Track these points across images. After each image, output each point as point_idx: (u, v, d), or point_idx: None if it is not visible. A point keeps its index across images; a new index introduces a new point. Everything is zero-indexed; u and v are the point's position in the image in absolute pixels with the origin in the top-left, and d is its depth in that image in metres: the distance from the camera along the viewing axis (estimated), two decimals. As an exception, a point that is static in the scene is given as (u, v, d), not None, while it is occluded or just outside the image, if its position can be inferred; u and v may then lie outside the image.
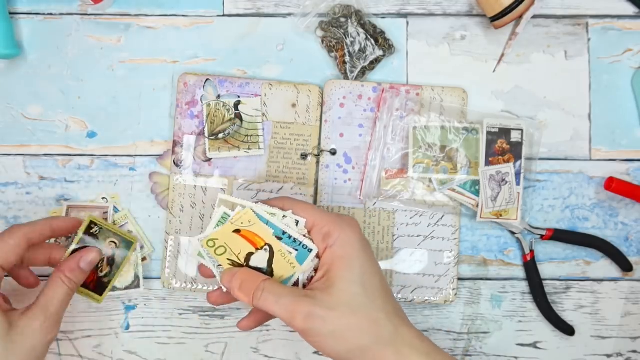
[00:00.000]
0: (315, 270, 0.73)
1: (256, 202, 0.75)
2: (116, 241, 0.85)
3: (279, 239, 0.73)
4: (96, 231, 0.84)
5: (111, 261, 0.85)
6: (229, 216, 0.75)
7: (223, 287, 0.74)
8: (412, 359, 0.67)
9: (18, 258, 0.76)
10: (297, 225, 0.74)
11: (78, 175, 0.90)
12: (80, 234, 0.82)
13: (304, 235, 0.73)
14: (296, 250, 0.73)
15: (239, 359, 0.90)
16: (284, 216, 0.74)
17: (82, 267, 0.79)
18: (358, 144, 0.89)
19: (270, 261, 0.75)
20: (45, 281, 0.77)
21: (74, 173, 0.90)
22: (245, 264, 0.74)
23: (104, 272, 0.84)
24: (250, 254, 0.75)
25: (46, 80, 0.90)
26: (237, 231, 0.75)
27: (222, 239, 0.75)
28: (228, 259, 0.74)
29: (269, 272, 0.74)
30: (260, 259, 0.75)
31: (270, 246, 0.75)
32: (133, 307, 0.89)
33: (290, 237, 0.73)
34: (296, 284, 0.74)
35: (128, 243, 0.86)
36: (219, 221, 0.75)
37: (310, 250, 0.73)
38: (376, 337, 0.67)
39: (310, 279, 0.73)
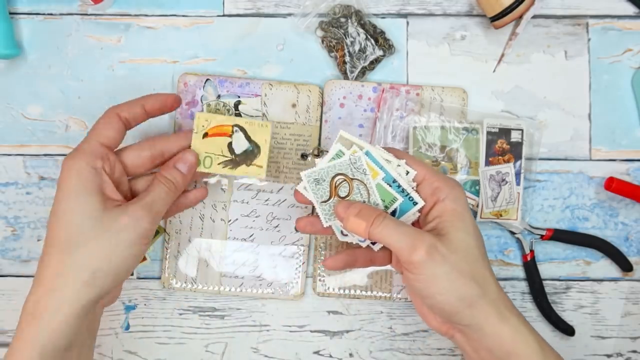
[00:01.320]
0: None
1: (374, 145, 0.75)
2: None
3: (389, 185, 0.73)
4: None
5: None
6: (343, 154, 0.75)
7: (324, 223, 0.75)
8: (512, 321, 0.68)
9: (116, 134, 0.75)
10: (407, 174, 0.74)
11: (78, 175, 0.90)
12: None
13: (413, 188, 0.73)
14: (402, 199, 0.73)
15: (239, 359, 0.90)
16: (397, 165, 0.73)
17: (177, 167, 0.77)
18: (358, 143, 0.89)
19: (247, 137, 0.81)
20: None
21: (74, 173, 0.90)
22: (233, 157, 0.80)
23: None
24: (229, 144, 0.80)
25: (46, 80, 0.90)
26: (205, 135, 0.80)
27: (200, 150, 0.80)
28: (219, 163, 0.80)
29: (254, 146, 0.80)
30: (239, 141, 0.81)
31: (238, 125, 0.80)
32: (133, 307, 0.89)
33: (399, 186, 0.73)
34: None
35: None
36: (333, 157, 0.75)
37: (415, 204, 0.73)
38: (484, 292, 0.68)
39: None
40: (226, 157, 0.81)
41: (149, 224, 0.72)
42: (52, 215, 0.70)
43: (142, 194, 0.74)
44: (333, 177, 0.75)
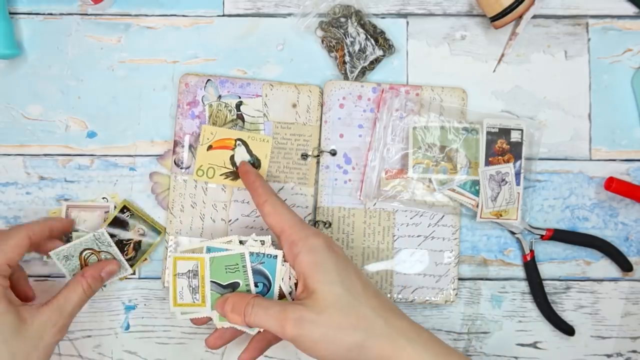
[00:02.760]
0: (296, 283, 0.74)
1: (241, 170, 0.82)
2: (144, 228, 0.88)
3: (240, 264, 0.76)
4: (127, 215, 0.88)
5: (137, 246, 0.88)
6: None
7: (217, 322, 0.77)
8: (408, 349, 0.67)
9: (20, 256, 0.77)
10: (262, 244, 0.77)
11: (78, 175, 0.90)
12: (113, 216, 0.87)
13: (266, 246, 0.76)
14: (262, 263, 0.75)
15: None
16: (240, 241, 0.77)
17: (102, 276, 0.82)
18: (358, 144, 0.89)
19: (249, 150, 0.86)
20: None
21: (74, 173, 0.90)
22: (235, 169, 0.86)
23: (129, 256, 0.88)
24: (232, 157, 0.85)
25: (46, 80, 0.90)
26: (209, 147, 0.85)
27: (204, 161, 0.85)
28: (221, 174, 0.85)
29: (255, 160, 0.84)
30: (241, 154, 0.86)
31: (241, 139, 0.85)
32: (133, 307, 0.89)
33: (252, 253, 0.76)
34: (282, 295, 0.75)
35: (156, 232, 0.88)
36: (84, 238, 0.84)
37: (276, 256, 0.75)
38: (368, 332, 0.67)
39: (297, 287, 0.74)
40: (228, 169, 0.86)
41: (65, 332, 0.77)
42: None
43: (63, 299, 0.76)
44: (81, 252, 0.84)
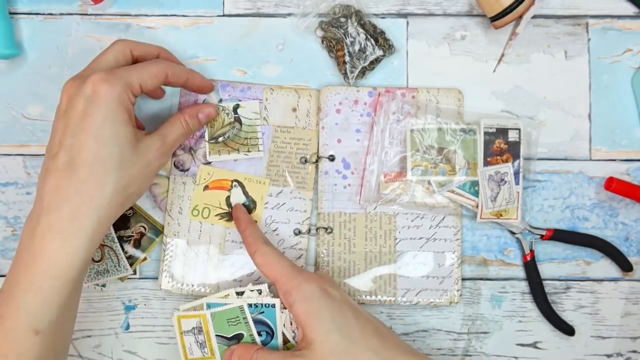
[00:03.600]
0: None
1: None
2: (145, 226, 0.89)
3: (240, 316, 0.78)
4: (130, 213, 0.88)
5: (137, 244, 0.89)
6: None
7: None
8: None
9: (153, 86, 0.77)
10: (260, 294, 0.78)
11: (78, 175, 0.90)
12: None
13: (263, 295, 0.78)
14: (262, 312, 0.76)
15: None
16: (237, 292, 0.79)
17: (199, 117, 0.83)
18: (356, 149, 0.89)
19: (245, 192, 0.87)
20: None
21: (74, 173, 0.90)
22: (230, 210, 0.87)
23: (129, 254, 0.88)
24: (228, 197, 0.86)
25: (46, 80, 0.90)
26: (205, 187, 0.87)
27: (200, 201, 0.86)
28: (216, 215, 0.86)
29: (251, 201, 0.86)
30: (237, 195, 0.88)
31: (237, 181, 0.86)
32: (133, 307, 0.90)
33: (250, 305, 0.77)
34: (286, 340, 0.77)
35: (156, 230, 0.89)
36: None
37: (274, 305, 0.76)
38: None
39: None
40: (223, 209, 0.87)
41: (167, 158, 0.80)
42: (84, 134, 0.71)
43: (164, 129, 0.79)
44: None
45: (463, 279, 0.90)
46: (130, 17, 0.91)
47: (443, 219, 0.89)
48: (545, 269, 0.90)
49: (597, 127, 0.91)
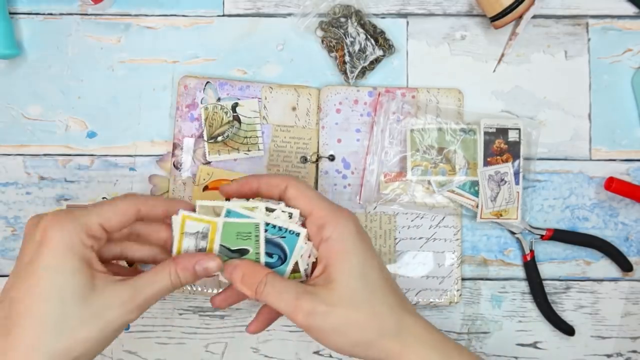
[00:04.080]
0: (316, 260, 0.72)
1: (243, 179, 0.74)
2: None
3: (265, 231, 0.71)
4: None
5: None
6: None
7: (222, 278, 0.72)
8: (417, 349, 0.66)
9: (121, 224, 0.68)
10: (290, 217, 0.72)
11: (78, 175, 0.90)
12: None
13: (290, 221, 0.71)
14: (283, 237, 0.71)
15: (238, 359, 0.90)
16: (267, 208, 0.71)
17: (197, 269, 0.69)
18: (356, 148, 0.89)
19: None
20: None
21: (74, 173, 0.90)
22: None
23: None
24: (227, 198, 0.78)
25: (46, 80, 0.90)
26: (205, 187, 0.84)
27: (200, 198, 0.77)
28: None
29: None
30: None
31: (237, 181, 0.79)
32: (133, 307, 0.89)
33: (274, 226, 0.71)
34: (296, 270, 0.72)
35: None
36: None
37: (299, 234, 0.71)
38: (379, 331, 0.66)
39: (313, 265, 0.72)
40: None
41: (138, 314, 0.66)
42: (25, 285, 0.62)
43: (144, 281, 0.67)
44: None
45: (463, 279, 0.90)
46: (130, 17, 0.91)
47: (443, 219, 0.89)
48: (545, 269, 0.90)
49: (597, 127, 0.91)
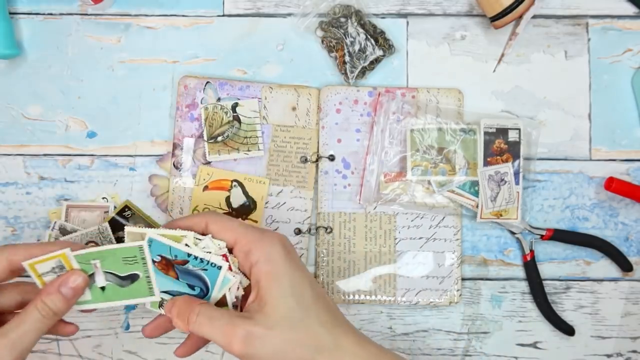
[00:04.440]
0: (245, 290, 0.72)
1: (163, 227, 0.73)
2: (144, 226, 0.87)
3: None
4: (128, 214, 0.88)
5: None
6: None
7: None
8: None
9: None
10: (219, 247, 0.71)
11: (78, 175, 0.90)
12: (113, 214, 0.87)
13: (213, 253, 0.71)
14: (205, 270, 0.71)
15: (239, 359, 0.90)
16: (195, 237, 0.71)
17: (63, 291, 0.68)
18: (356, 148, 0.89)
19: (245, 192, 0.87)
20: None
21: (74, 173, 0.90)
22: (230, 210, 0.87)
23: None
24: (227, 198, 0.85)
25: (46, 80, 0.90)
26: (205, 188, 0.86)
27: (200, 202, 0.84)
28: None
29: (251, 201, 0.85)
30: (237, 196, 0.87)
31: (237, 181, 0.85)
32: (133, 307, 0.89)
33: (196, 258, 0.70)
34: (223, 302, 0.72)
35: None
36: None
37: (220, 267, 0.70)
38: (317, 350, 0.66)
39: (243, 299, 0.72)
40: (223, 210, 0.87)
41: None
42: None
43: (11, 325, 0.65)
44: (87, 244, 0.81)
45: (463, 279, 0.90)
46: (130, 17, 0.91)
47: (443, 219, 0.89)
48: (545, 269, 0.90)
49: (597, 127, 0.91)
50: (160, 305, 0.74)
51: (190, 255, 0.70)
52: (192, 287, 0.72)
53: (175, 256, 0.70)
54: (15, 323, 0.65)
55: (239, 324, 0.65)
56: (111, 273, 0.71)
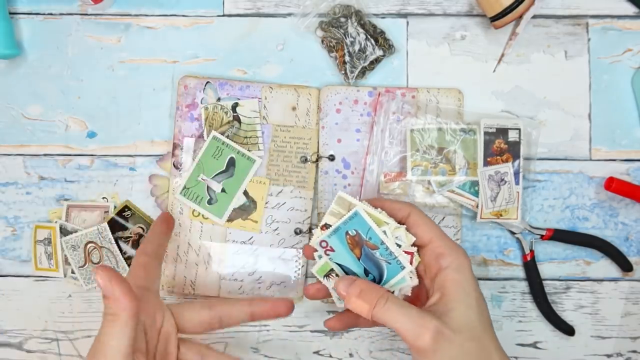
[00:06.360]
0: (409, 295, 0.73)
1: (369, 202, 0.75)
2: (144, 227, 0.88)
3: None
4: (128, 214, 0.88)
5: (136, 245, 0.89)
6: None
7: (333, 294, 0.75)
8: None
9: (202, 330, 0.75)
10: (412, 244, 0.73)
11: (78, 175, 0.90)
12: (113, 215, 0.88)
13: (404, 251, 0.72)
14: (389, 263, 0.72)
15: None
16: (395, 227, 0.73)
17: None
18: (356, 148, 0.88)
19: (245, 192, 0.87)
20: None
21: (74, 173, 0.90)
22: None
23: (127, 255, 0.88)
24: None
25: (46, 80, 0.90)
26: None
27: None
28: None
29: (251, 201, 0.85)
30: (237, 197, 0.87)
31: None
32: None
33: (387, 248, 0.72)
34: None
35: None
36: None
37: (403, 268, 0.72)
38: None
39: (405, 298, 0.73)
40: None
41: None
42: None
43: None
44: (86, 244, 0.83)
45: (463, 279, 0.90)
46: (130, 17, 0.91)
47: (443, 219, 0.89)
48: (545, 269, 0.90)
49: (597, 127, 0.91)
50: (327, 275, 0.75)
51: (383, 244, 0.72)
52: (367, 272, 0.74)
53: (370, 238, 0.72)
54: None
55: (430, 320, 0.66)
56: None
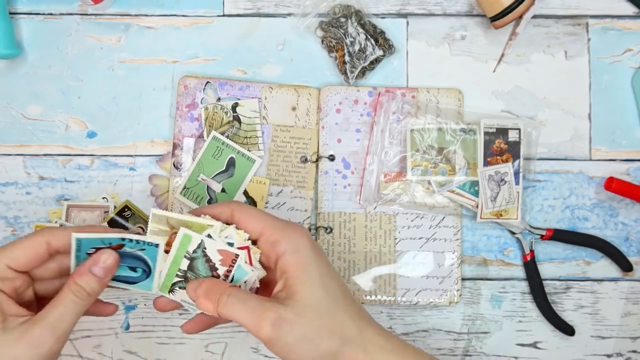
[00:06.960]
0: (261, 282, 0.71)
1: (191, 213, 0.72)
2: (144, 227, 0.88)
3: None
4: (128, 214, 0.88)
5: None
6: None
7: (184, 305, 0.72)
8: (380, 356, 0.66)
9: (33, 262, 0.66)
10: (246, 239, 0.70)
11: (78, 175, 0.90)
12: (113, 215, 0.87)
13: (239, 247, 0.70)
14: (143, 249, 0.69)
15: (239, 359, 0.90)
16: (222, 228, 0.70)
17: (94, 272, 0.66)
18: (356, 148, 0.89)
19: (245, 192, 0.87)
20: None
21: (74, 173, 0.90)
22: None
23: None
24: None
25: (46, 80, 0.90)
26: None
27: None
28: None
29: (251, 201, 0.84)
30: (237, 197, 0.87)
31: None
32: (133, 307, 0.89)
33: (131, 240, 0.68)
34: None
35: None
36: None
37: (157, 245, 0.69)
38: (344, 340, 0.66)
39: (256, 291, 0.71)
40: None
41: (54, 345, 0.63)
42: None
43: (47, 309, 0.64)
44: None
45: (463, 279, 0.90)
46: (130, 17, 0.91)
47: (443, 219, 0.89)
48: (545, 269, 0.90)
49: (597, 127, 0.91)
50: (171, 290, 0.72)
51: (125, 239, 0.68)
52: (134, 269, 0.70)
53: (110, 243, 0.68)
54: (52, 306, 0.64)
55: (269, 308, 0.65)
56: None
